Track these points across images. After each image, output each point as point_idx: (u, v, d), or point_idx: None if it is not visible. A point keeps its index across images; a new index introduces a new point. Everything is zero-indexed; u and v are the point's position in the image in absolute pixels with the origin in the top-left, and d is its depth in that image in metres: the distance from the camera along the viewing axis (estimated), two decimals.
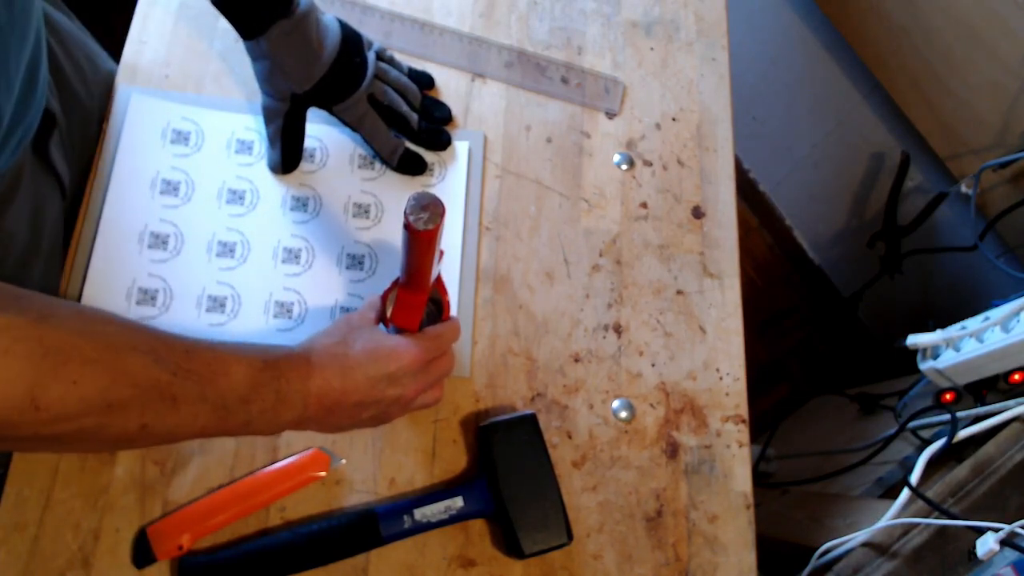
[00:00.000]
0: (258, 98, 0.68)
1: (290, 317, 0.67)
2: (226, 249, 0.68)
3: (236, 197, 0.70)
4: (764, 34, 1.43)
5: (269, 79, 0.65)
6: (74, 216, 0.67)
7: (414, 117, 0.72)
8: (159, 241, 0.67)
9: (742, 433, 0.68)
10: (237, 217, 0.69)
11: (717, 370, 0.70)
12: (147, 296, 0.65)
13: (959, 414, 0.79)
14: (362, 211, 0.71)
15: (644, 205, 0.75)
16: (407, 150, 0.72)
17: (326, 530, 0.59)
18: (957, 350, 0.81)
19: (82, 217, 0.67)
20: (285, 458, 0.62)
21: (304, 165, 0.72)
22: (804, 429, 1.28)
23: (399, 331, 0.58)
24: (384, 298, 0.60)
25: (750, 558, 0.65)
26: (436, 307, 0.62)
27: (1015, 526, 0.62)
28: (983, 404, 0.80)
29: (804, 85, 1.42)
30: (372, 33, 0.75)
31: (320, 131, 0.73)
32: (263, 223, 0.69)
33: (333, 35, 0.66)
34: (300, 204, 0.71)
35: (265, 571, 0.58)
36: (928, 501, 0.70)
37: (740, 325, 0.72)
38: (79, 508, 0.59)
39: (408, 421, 0.65)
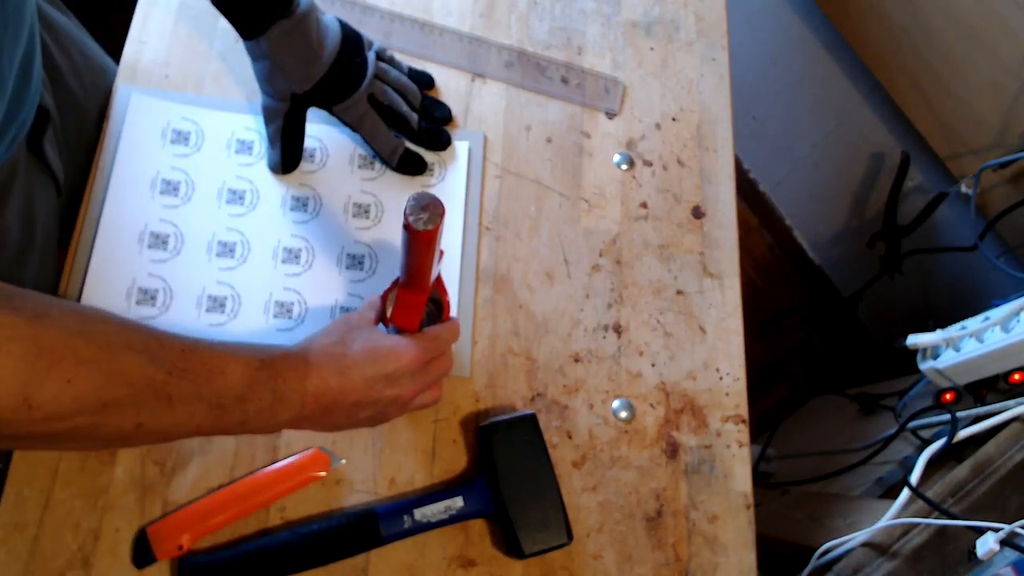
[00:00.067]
0: (258, 98, 0.68)
1: (290, 317, 0.67)
2: (226, 249, 0.68)
3: (236, 197, 0.70)
4: (764, 34, 1.43)
5: (269, 79, 0.65)
6: (72, 215, 0.67)
7: (414, 117, 0.72)
8: (159, 241, 0.67)
9: (742, 433, 0.68)
10: (237, 217, 0.69)
11: (717, 370, 0.70)
12: (147, 296, 0.65)
13: (959, 414, 0.79)
14: (362, 211, 0.71)
15: (644, 205, 0.75)
16: (407, 150, 0.72)
17: (326, 530, 0.59)
18: (957, 350, 0.81)
19: (82, 217, 0.67)
20: (285, 458, 0.62)
21: (304, 165, 0.72)
22: (804, 429, 1.28)
23: (399, 331, 0.58)
24: (384, 298, 0.60)
25: (750, 558, 0.65)
26: (436, 307, 0.62)
27: (1015, 526, 0.62)
28: (983, 404, 0.80)
29: (804, 85, 1.42)
30: (372, 33, 0.75)
31: (320, 131, 0.73)
32: (263, 223, 0.69)
33: (333, 35, 0.66)
34: (300, 204, 0.71)
35: (265, 571, 0.58)
36: (928, 501, 0.70)
37: (740, 325, 0.72)
38: (79, 508, 0.59)
39: (408, 421, 0.65)
